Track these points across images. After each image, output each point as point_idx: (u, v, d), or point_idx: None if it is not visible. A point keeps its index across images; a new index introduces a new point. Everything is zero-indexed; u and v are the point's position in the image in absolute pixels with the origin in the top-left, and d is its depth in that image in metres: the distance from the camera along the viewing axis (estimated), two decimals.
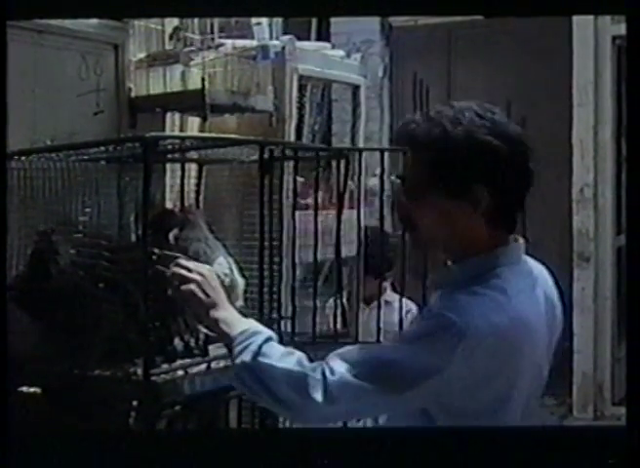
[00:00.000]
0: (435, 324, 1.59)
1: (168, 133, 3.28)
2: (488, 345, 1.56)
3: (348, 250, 3.33)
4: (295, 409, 1.63)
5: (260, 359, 1.64)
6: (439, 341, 1.56)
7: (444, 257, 1.75)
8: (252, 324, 1.72)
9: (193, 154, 2.72)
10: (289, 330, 2.64)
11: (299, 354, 1.65)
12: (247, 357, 1.64)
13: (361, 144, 4.07)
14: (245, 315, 1.79)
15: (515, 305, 1.61)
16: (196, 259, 2.17)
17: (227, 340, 1.69)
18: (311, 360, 1.64)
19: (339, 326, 3.14)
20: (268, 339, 1.67)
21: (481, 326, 1.55)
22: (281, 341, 1.72)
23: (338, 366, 1.59)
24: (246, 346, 1.65)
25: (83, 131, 2.92)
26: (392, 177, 1.76)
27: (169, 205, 2.84)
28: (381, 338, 3.04)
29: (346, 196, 3.18)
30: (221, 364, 2.19)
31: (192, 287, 1.74)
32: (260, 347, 1.65)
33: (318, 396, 1.57)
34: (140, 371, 2.04)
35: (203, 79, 3.13)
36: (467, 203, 1.63)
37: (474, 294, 1.60)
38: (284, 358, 1.63)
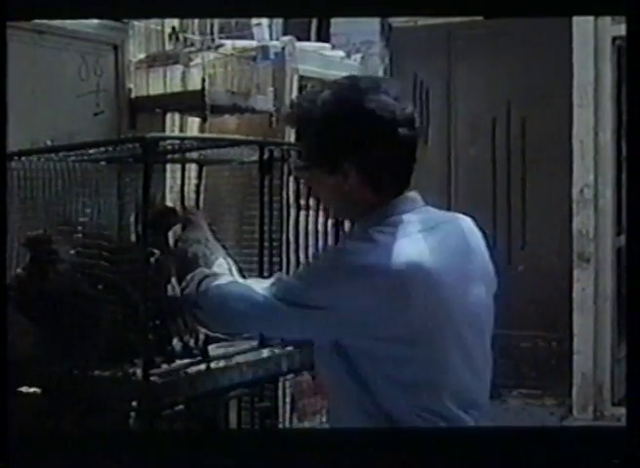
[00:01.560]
0: (328, 262, 1.78)
1: (168, 133, 3.28)
2: (373, 283, 1.65)
3: None
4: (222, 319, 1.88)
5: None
6: (328, 276, 1.70)
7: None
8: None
9: (193, 154, 2.72)
10: None
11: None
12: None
13: None
14: None
15: (401, 248, 1.67)
16: (195, 261, 2.18)
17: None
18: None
19: None
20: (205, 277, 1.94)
21: (365, 265, 1.66)
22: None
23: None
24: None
25: (83, 131, 2.92)
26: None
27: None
28: None
29: None
30: (221, 364, 2.19)
31: None
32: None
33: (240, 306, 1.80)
34: (139, 371, 2.04)
35: (203, 80, 3.13)
36: (341, 177, 1.74)
37: (363, 239, 1.71)
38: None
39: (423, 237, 1.72)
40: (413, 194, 1.79)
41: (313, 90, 1.82)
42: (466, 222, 1.87)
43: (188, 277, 1.97)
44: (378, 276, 1.66)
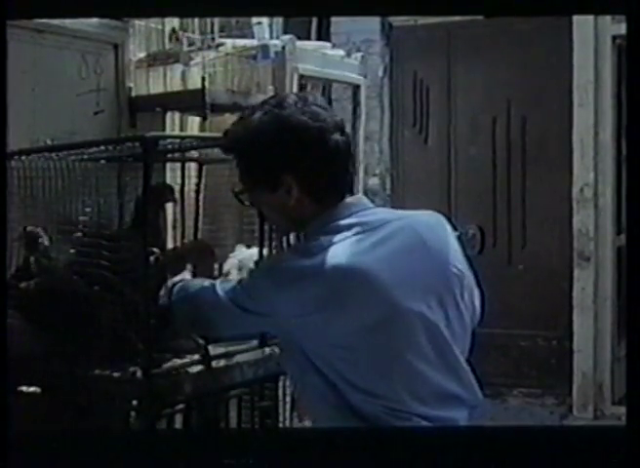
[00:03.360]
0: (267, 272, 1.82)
1: (168, 132, 3.28)
2: (307, 290, 1.70)
3: None
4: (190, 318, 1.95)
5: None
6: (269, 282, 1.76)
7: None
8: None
9: (193, 154, 2.71)
10: None
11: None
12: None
13: (361, 144, 4.07)
14: None
15: (335, 254, 1.70)
16: None
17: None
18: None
19: None
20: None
21: (300, 273, 1.71)
22: None
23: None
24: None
25: (83, 130, 2.92)
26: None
27: (169, 205, 2.84)
28: None
29: None
30: (222, 363, 2.19)
31: None
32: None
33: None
34: (139, 371, 2.04)
35: (203, 79, 3.13)
36: (283, 193, 1.78)
37: (300, 249, 1.79)
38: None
39: (361, 239, 1.74)
40: (354, 198, 1.83)
41: (243, 114, 1.83)
42: (425, 220, 1.87)
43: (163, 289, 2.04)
44: (312, 283, 1.70)
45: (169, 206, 2.65)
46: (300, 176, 1.76)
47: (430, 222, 1.87)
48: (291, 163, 1.76)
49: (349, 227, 1.76)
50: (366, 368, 1.73)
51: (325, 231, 1.76)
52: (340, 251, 1.71)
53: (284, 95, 1.89)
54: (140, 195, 2.16)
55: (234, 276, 2.33)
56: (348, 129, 4.24)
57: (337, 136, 1.77)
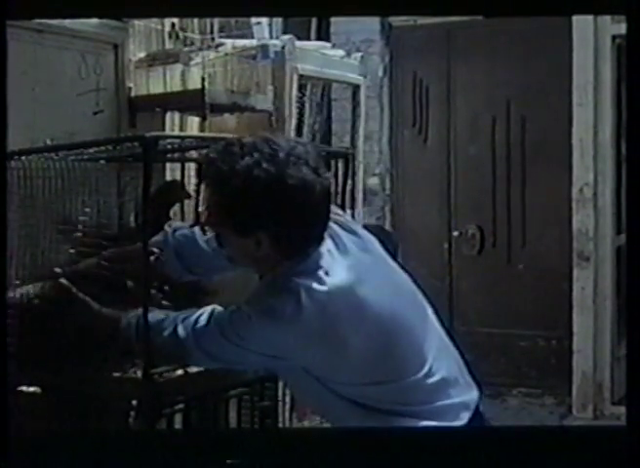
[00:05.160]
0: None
1: (168, 132, 3.28)
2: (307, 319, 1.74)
3: None
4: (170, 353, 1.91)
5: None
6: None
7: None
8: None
9: (193, 154, 2.71)
10: None
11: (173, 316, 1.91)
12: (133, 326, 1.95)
13: (361, 144, 4.07)
14: None
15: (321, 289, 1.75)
16: None
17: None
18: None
19: None
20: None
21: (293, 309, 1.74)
22: None
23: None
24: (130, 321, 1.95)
25: (83, 130, 2.92)
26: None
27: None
28: None
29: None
30: None
31: None
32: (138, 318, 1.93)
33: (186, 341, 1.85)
34: (139, 371, 2.04)
35: (203, 79, 3.13)
36: (252, 243, 1.78)
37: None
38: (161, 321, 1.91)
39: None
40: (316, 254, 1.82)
41: (229, 146, 1.79)
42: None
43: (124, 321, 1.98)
44: (308, 321, 1.74)
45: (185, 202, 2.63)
46: (275, 236, 1.77)
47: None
48: (269, 222, 1.76)
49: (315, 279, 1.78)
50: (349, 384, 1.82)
51: (297, 274, 1.77)
52: (326, 287, 1.76)
53: (278, 142, 1.78)
54: (141, 195, 2.15)
55: None
56: (347, 129, 4.26)
57: (321, 202, 1.78)
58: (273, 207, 1.75)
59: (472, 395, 1.89)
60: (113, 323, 1.98)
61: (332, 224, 1.86)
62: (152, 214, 2.11)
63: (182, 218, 2.60)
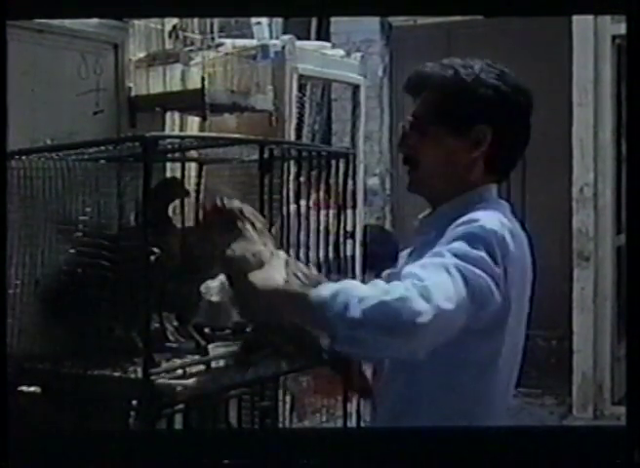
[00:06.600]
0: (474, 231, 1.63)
1: (168, 132, 3.28)
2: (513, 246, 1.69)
3: (349, 249, 3.33)
4: (406, 332, 1.46)
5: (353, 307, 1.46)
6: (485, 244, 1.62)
7: (430, 204, 1.88)
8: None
9: (193, 153, 2.72)
10: None
11: (375, 283, 1.55)
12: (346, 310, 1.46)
13: (361, 144, 4.07)
14: None
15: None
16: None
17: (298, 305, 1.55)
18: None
19: None
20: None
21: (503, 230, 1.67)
22: None
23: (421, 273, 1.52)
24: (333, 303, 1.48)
25: (83, 130, 2.92)
26: (407, 117, 1.82)
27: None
28: None
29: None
30: (221, 363, 2.19)
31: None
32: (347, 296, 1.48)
33: (421, 306, 1.44)
34: (139, 371, 2.04)
35: (203, 78, 3.13)
36: (469, 141, 1.73)
37: (482, 210, 1.71)
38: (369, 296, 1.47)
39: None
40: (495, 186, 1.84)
41: (454, 64, 1.83)
42: None
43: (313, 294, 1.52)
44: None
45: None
46: (498, 131, 1.74)
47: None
48: (496, 117, 1.74)
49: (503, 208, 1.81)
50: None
51: (482, 207, 1.74)
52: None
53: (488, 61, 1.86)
54: (142, 195, 2.16)
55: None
56: (347, 129, 4.26)
57: (530, 119, 1.80)
58: (501, 101, 1.74)
59: None
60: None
61: None
62: (151, 210, 2.11)
63: (182, 216, 2.61)
